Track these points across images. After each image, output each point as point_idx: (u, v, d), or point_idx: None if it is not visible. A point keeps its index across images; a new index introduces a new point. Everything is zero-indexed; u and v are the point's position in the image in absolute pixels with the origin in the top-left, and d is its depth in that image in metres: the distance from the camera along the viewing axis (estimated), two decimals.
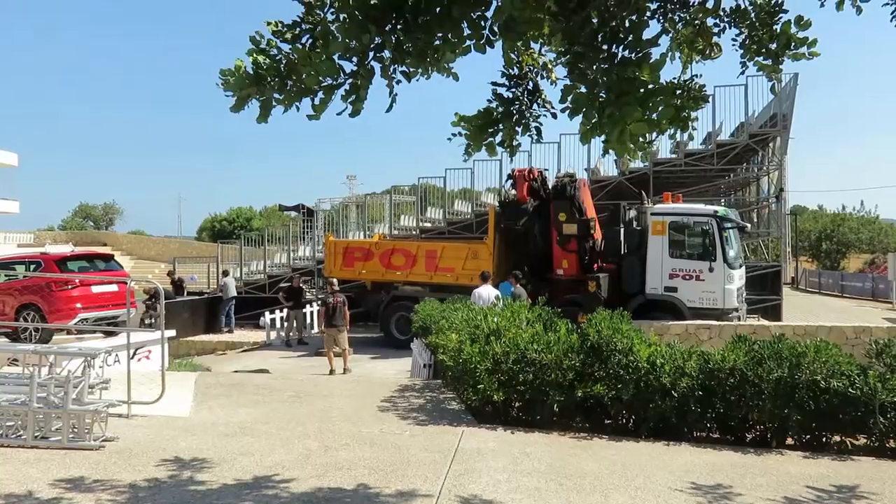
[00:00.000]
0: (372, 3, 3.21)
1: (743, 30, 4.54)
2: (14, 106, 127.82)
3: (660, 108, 3.43)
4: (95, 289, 15.27)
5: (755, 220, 22.27)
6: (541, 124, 4.22)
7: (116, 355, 12.85)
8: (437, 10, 3.31)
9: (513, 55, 3.87)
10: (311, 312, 20.81)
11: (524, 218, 17.08)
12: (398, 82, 3.49)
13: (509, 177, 17.57)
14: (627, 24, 3.48)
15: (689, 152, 19.90)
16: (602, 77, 3.42)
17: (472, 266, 17.08)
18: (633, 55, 3.46)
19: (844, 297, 33.33)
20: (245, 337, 21.20)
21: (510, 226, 17.23)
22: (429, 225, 22.24)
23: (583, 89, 3.49)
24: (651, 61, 3.42)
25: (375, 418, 7.81)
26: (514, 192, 17.45)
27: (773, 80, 4.68)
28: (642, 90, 3.36)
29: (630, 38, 3.43)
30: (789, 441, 7.22)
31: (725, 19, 4.61)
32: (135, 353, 13.52)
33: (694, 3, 4.80)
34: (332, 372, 14.30)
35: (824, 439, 7.15)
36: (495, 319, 8.06)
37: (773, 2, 4.53)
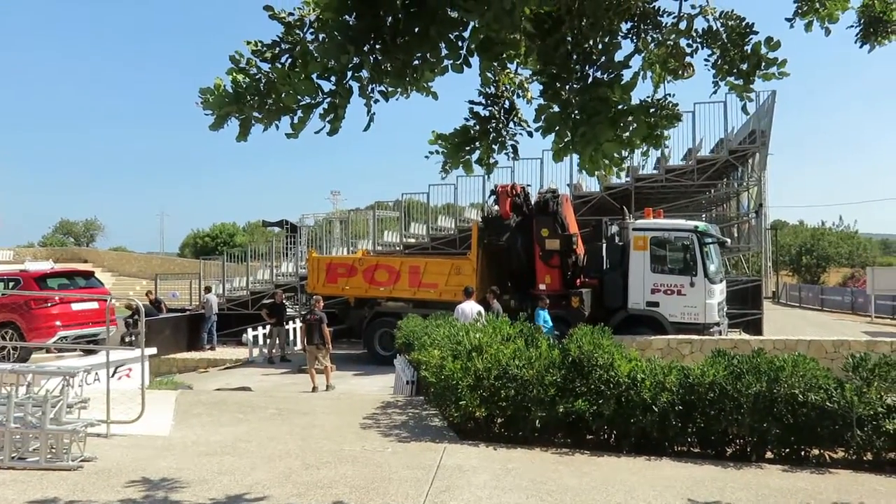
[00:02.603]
0: (351, 23, 3.26)
1: (715, 50, 4.64)
2: None
3: (632, 128, 3.50)
4: (75, 306, 15.13)
5: (735, 234, 22.53)
6: (517, 142, 4.28)
7: (96, 374, 12.71)
8: (416, 30, 3.36)
9: (489, 74, 3.93)
10: (294, 329, 20.68)
11: (507, 233, 17.12)
12: (376, 101, 3.54)
13: (492, 192, 17.64)
14: (600, 46, 3.55)
15: (670, 168, 20.12)
16: (575, 97, 3.48)
17: (455, 282, 17.07)
18: (605, 76, 3.53)
19: (824, 310, 33.72)
20: (227, 354, 20.99)
21: (493, 241, 17.26)
22: (413, 241, 22.24)
23: (556, 109, 3.55)
24: (623, 82, 3.49)
25: (357, 436, 7.77)
26: (496, 207, 17.51)
27: (745, 100, 4.77)
28: (614, 110, 3.43)
29: (602, 60, 3.50)
30: (769, 454, 7.29)
31: (698, 40, 4.70)
32: (115, 372, 13.38)
33: (666, 23, 4.90)
34: (314, 389, 14.19)
35: (803, 453, 7.21)
36: (477, 336, 8.07)
37: (744, 23, 4.64)
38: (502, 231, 17.25)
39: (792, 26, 4.94)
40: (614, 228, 17.16)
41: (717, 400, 7.14)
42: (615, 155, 4.22)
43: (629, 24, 5.11)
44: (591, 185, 21.27)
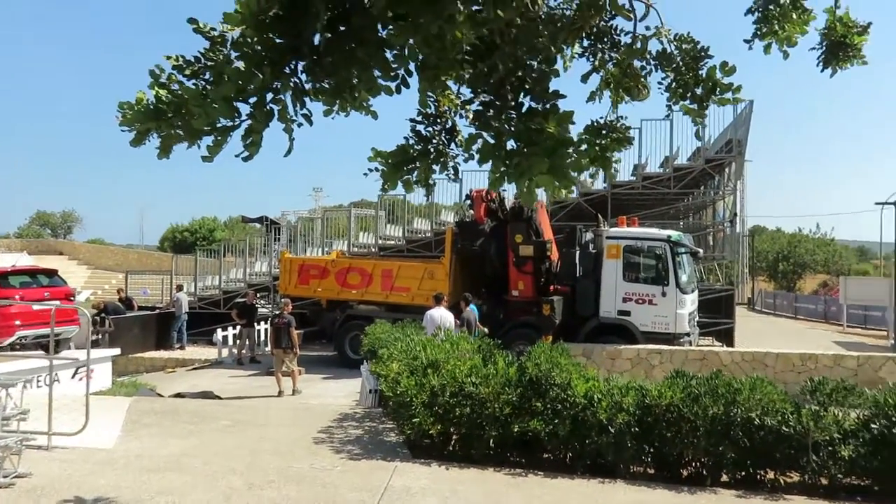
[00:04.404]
0: (269, 44, 3.07)
1: (668, 73, 4.51)
2: None
3: (569, 160, 3.35)
4: (36, 305, 14.76)
5: (711, 243, 22.55)
6: (458, 163, 4.11)
7: (56, 374, 12.40)
8: (342, 52, 3.19)
9: (430, 95, 3.77)
10: (265, 330, 20.41)
11: (481, 239, 16.99)
12: (300, 125, 3.35)
13: (467, 197, 17.48)
14: (535, 74, 3.40)
15: (647, 175, 20.08)
16: (508, 126, 3.33)
17: (428, 286, 16.89)
18: (540, 105, 3.38)
19: (798, 318, 33.93)
20: (197, 354, 20.67)
21: (467, 246, 17.11)
22: (389, 242, 22.04)
23: (488, 138, 3.39)
24: (559, 113, 3.33)
25: (308, 451, 7.58)
26: (471, 212, 17.37)
27: (698, 125, 4.66)
28: (550, 141, 3.27)
29: (537, 89, 3.34)
30: (725, 477, 7.19)
31: (652, 62, 4.57)
32: (76, 373, 13.08)
33: (624, 43, 4.77)
34: (280, 393, 13.98)
35: (759, 476, 7.13)
36: (434, 351, 7.90)
37: (698, 47, 4.51)
38: (476, 236, 17.12)
39: (751, 48, 4.84)
40: (588, 236, 17.07)
41: (674, 422, 7.03)
42: (556, 184, 4.09)
43: (586, 43, 5.00)
44: None
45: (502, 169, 3.36)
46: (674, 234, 15.94)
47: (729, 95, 4.52)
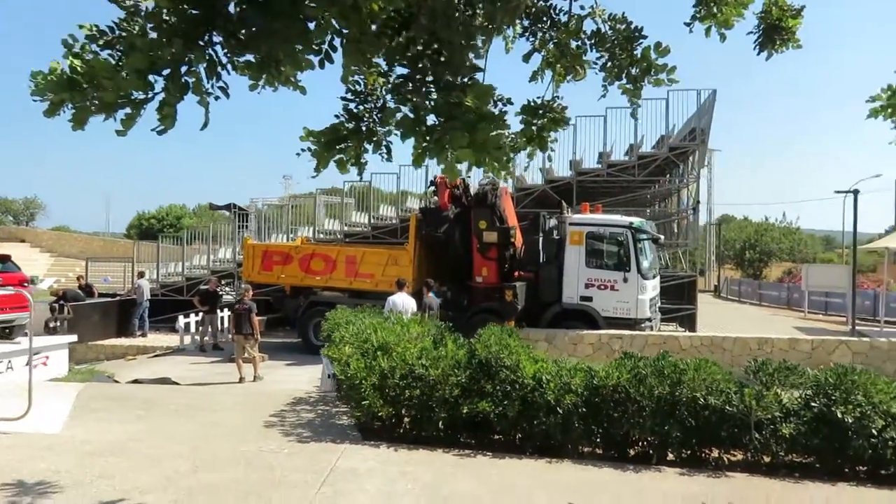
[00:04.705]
0: (184, 15, 2.99)
1: (603, 53, 4.51)
2: None
3: (489, 135, 3.33)
4: None
5: (675, 230, 22.80)
6: (391, 142, 4.08)
7: (10, 362, 12.16)
8: (259, 24, 3.13)
9: (354, 69, 3.72)
10: (228, 317, 20.20)
11: (445, 225, 16.96)
12: (217, 98, 3.29)
13: (431, 183, 17.43)
14: (452, 48, 3.36)
15: (612, 163, 20.17)
16: (427, 100, 3.30)
17: (392, 272, 16.84)
18: (458, 80, 3.35)
19: (762, 305, 34.54)
20: (159, 341, 20.37)
21: (431, 233, 17.07)
22: (356, 229, 21.92)
23: (408, 112, 3.36)
24: (477, 87, 3.31)
25: (258, 435, 7.53)
26: (436, 198, 17.32)
27: (634, 105, 4.68)
28: (470, 116, 3.25)
29: (454, 62, 3.32)
30: (671, 456, 7.30)
31: (587, 42, 4.57)
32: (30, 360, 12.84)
33: (561, 24, 4.77)
34: (241, 380, 13.84)
35: (704, 455, 7.25)
36: (384, 334, 7.88)
37: (632, 27, 4.52)
38: (440, 222, 17.08)
39: (691, 31, 4.86)
40: (552, 222, 17.13)
41: (621, 402, 7.12)
42: (495, 164, 4.09)
43: (526, 23, 4.99)
44: (534, 177, 21.22)
45: (424, 144, 3.34)
46: (636, 220, 16.05)
47: (663, 76, 4.55)
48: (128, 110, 3.13)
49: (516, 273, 16.65)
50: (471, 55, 3.40)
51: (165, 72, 3.11)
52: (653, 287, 16.08)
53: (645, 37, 4.50)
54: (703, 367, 7.10)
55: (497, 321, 14.86)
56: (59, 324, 18.60)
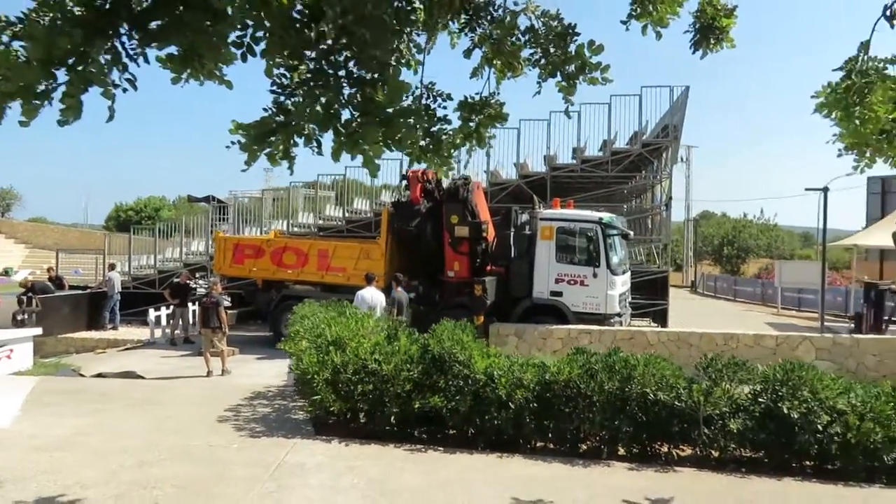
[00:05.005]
0: (87, 5, 2.95)
1: (536, 50, 4.51)
2: None
3: (403, 131, 3.31)
4: None
5: (650, 226, 22.93)
6: (321, 136, 4.04)
7: None
8: (168, 16, 3.09)
9: (279, 61, 3.68)
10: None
11: (417, 219, 16.91)
12: (125, 90, 3.25)
13: (403, 177, 17.38)
14: (363, 43, 3.34)
15: (586, 158, 20.24)
16: (340, 95, 3.28)
17: (364, 266, 16.78)
18: (369, 75, 3.33)
19: (737, 300, 34.87)
20: (130, 334, 20.20)
21: (403, 227, 17.03)
22: (331, 223, 21.83)
23: (319, 108, 3.34)
24: (391, 82, 3.29)
25: (210, 429, 7.50)
26: (408, 192, 17.28)
27: (568, 103, 4.68)
28: (385, 112, 3.24)
29: (363, 57, 3.29)
30: (622, 451, 7.35)
31: (521, 38, 4.57)
32: None
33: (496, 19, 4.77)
34: (209, 373, 13.75)
35: (654, 450, 7.32)
36: (338, 329, 7.86)
37: (565, 24, 4.53)
38: (412, 217, 17.02)
39: (627, 29, 4.87)
40: (524, 217, 17.15)
41: (572, 398, 7.15)
42: (447, 164, 4.10)
43: (465, 19, 4.98)
44: (509, 172, 21.24)
45: (341, 139, 3.32)
46: (605, 216, 16.10)
47: (597, 75, 4.56)
48: (31, 101, 3.08)
49: (488, 268, 16.66)
50: (383, 50, 3.37)
51: (70, 61, 3.06)
52: (623, 282, 16.15)
53: (578, 34, 4.51)
54: (652, 363, 7.15)
55: (468, 316, 14.92)
56: (26, 316, 18.38)
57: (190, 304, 19.35)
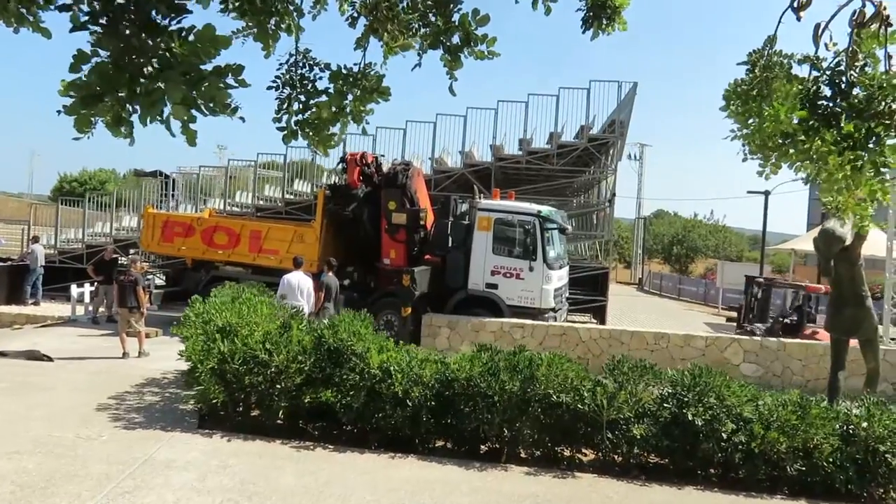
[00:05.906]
0: None
1: (414, 18, 4.09)
2: None
3: (213, 94, 2.86)
4: None
5: (594, 222, 22.83)
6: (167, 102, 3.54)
7: None
8: None
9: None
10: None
11: (354, 204, 16.41)
12: None
13: (341, 160, 16.84)
14: None
15: (532, 150, 19.96)
16: (136, 44, 2.81)
17: (297, 249, 16.23)
18: (167, 22, 2.87)
19: (681, 299, 35.26)
20: (52, 310, 19.28)
21: (339, 211, 16.51)
22: (269, 204, 21.15)
23: (105, 58, 2.87)
24: (197, 32, 2.83)
25: (83, 419, 6.94)
26: (346, 175, 16.75)
27: (452, 79, 4.28)
28: (188, 66, 2.79)
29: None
30: (523, 454, 7.06)
31: (399, 6, 4.15)
32: None
33: None
34: (125, 355, 13.08)
35: (556, 453, 7.03)
36: (228, 315, 7.37)
37: None
38: (349, 201, 16.52)
39: (517, 2, 4.47)
40: (463, 207, 16.80)
41: (472, 396, 6.81)
42: (327, 142, 3.67)
43: None
44: (455, 160, 20.84)
45: (137, 95, 2.85)
46: (544, 209, 15.84)
47: (483, 48, 4.17)
48: None
49: (426, 256, 16.28)
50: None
51: None
52: (559, 277, 15.93)
53: (461, 2, 4.11)
54: (555, 363, 6.85)
55: (396, 305, 14.55)
56: None
57: (115, 282, 18.53)
